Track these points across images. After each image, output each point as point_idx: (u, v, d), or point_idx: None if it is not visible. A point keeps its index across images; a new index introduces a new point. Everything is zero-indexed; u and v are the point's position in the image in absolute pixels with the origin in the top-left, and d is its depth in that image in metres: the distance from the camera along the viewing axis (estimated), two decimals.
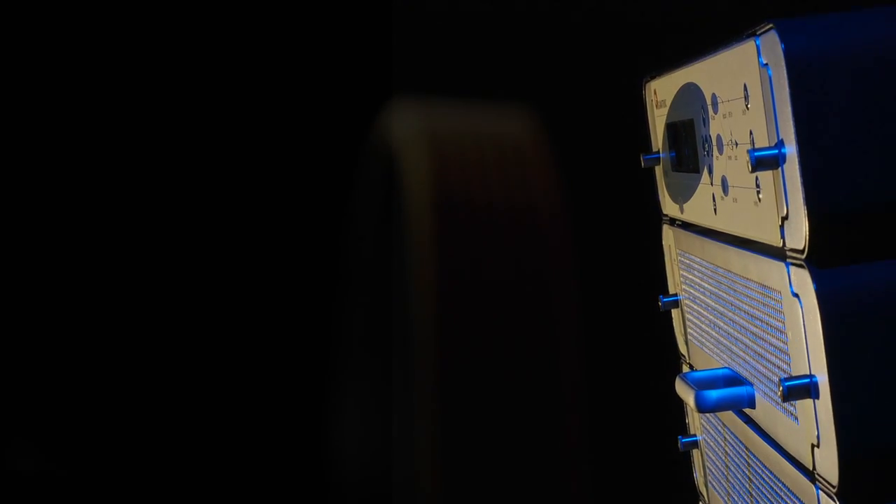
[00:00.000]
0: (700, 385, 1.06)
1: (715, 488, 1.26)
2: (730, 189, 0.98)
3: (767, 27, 0.81)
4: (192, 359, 1.84)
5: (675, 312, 1.33)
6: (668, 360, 1.35)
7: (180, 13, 1.81)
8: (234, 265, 1.83)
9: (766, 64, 0.82)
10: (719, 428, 1.18)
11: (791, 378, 0.84)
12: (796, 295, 0.84)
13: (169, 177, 1.85)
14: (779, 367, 0.91)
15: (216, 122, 1.83)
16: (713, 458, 1.25)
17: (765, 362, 0.96)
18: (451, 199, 1.51)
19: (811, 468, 0.86)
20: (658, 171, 1.30)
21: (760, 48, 0.83)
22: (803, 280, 0.82)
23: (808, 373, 0.83)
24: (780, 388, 0.84)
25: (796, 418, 0.88)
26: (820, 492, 0.84)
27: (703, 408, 1.02)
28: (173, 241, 1.84)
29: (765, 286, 0.92)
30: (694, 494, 1.36)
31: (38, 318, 1.89)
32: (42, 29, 1.86)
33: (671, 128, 1.19)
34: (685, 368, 1.32)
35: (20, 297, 1.88)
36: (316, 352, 1.80)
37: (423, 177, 1.57)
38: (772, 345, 0.93)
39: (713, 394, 1.02)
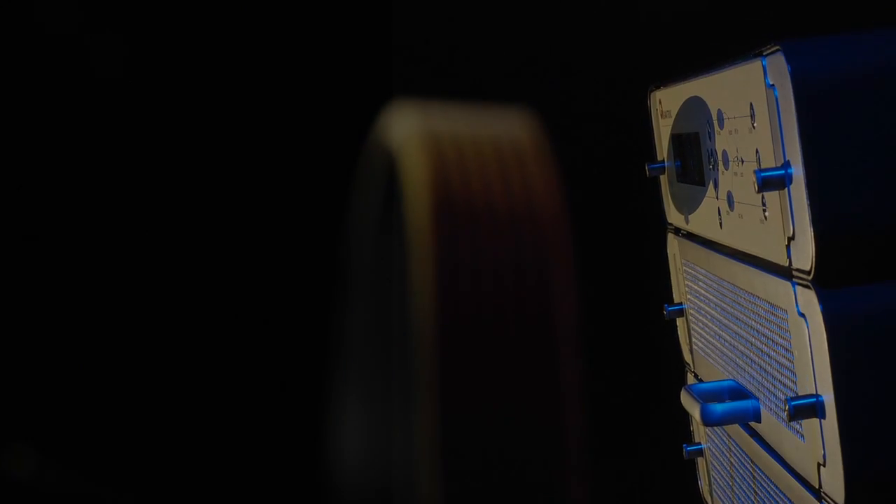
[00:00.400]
0: (705, 398, 1.06)
1: (720, 497, 1.26)
2: (735, 205, 0.98)
3: (774, 48, 0.81)
4: (189, 360, 1.84)
5: (679, 321, 1.33)
6: (673, 367, 1.36)
7: (181, 15, 1.81)
8: (233, 267, 1.83)
9: (773, 85, 0.82)
10: (724, 438, 1.18)
11: (797, 398, 0.84)
12: (802, 315, 0.84)
13: (169, 178, 1.85)
14: (784, 385, 0.91)
15: (216, 124, 1.83)
16: (718, 467, 1.25)
17: (770, 378, 0.96)
18: (452, 205, 1.50)
19: (817, 486, 0.86)
20: (663, 180, 1.30)
21: (767, 69, 0.83)
22: (810, 301, 0.82)
23: (814, 392, 0.84)
24: (787, 408, 0.84)
25: (802, 436, 0.88)
26: None
27: (708, 421, 1.02)
28: (172, 242, 1.84)
29: (771, 304, 0.92)
30: (699, 502, 1.36)
31: (34, 319, 1.89)
32: (40, 28, 1.86)
33: (676, 139, 1.19)
34: (690, 377, 1.32)
35: (18, 298, 1.89)
36: (315, 354, 1.79)
37: (424, 181, 1.56)
38: (778, 362, 0.93)
39: (719, 407, 1.02)
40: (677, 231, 1.29)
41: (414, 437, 1.59)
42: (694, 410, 1.04)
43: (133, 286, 1.86)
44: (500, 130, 1.66)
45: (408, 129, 1.73)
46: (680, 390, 1.10)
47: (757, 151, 0.88)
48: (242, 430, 1.85)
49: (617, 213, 1.61)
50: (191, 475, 1.84)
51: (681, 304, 1.31)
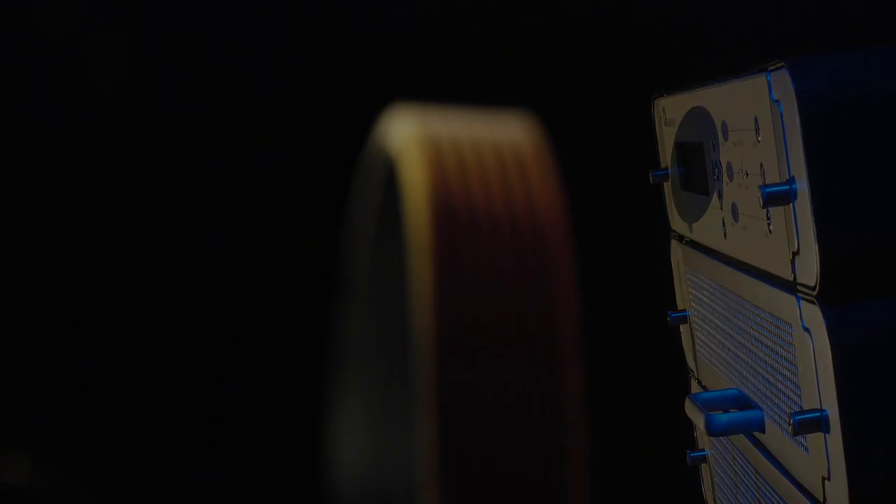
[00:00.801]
0: (709, 407, 1.06)
1: None
2: (740, 217, 0.98)
3: (779, 65, 0.81)
4: (188, 366, 1.84)
5: (683, 328, 1.33)
6: (677, 373, 1.36)
7: (183, 19, 1.81)
8: (231, 272, 1.83)
9: (778, 101, 0.82)
10: (728, 447, 1.19)
11: (802, 412, 0.84)
12: (807, 329, 0.84)
13: (167, 182, 1.85)
14: (789, 397, 0.92)
15: (215, 129, 1.83)
16: (721, 474, 1.25)
17: (775, 390, 0.96)
18: (452, 211, 1.50)
19: (821, 500, 0.86)
20: (666, 187, 1.30)
21: (771, 84, 0.83)
22: (814, 316, 0.82)
23: (818, 406, 0.84)
24: (791, 422, 0.84)
25: (807, 449, 0.88)
26: None
27: (712, 431, 1.02)
28: (170, 246, 1.84)
29: (775, 317, 0.92)
30: None
31: (36, 320, 1.89)
32: (41, 32, 1.86)
33: (680, 147, 1.19)
34: (693, 383, 1.32)
35: (18, 299, 1.88)
36: (313, 360, 1.80)
37: (424, 187, 1.57)
38: (782, 374, 0.93)
39: (723, 417, 1.02)
40: (681, 238, 1.29)
41: (413, 446, 1.60)
42: (698, 420, 1.05)
43: (133, 291, 1.86)
44: (501, 135, 1.67)
45: (408, 133, 1.73)
46: (684, 395, 1.11)
47: (762, 165, 0.88)
48: (241, 435, 1.85)
49: (619, 217, 1.61)
50: (191, 480, 1.85)
51: (684, 310, 1.31)
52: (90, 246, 1.86)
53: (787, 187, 0.82)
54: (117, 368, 1.85)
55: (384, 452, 1.73)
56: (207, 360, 1.85)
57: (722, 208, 1.04)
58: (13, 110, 1.86)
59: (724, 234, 1.05)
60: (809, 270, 0.82)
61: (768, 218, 0.89)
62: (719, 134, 1.00)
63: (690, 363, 1.32)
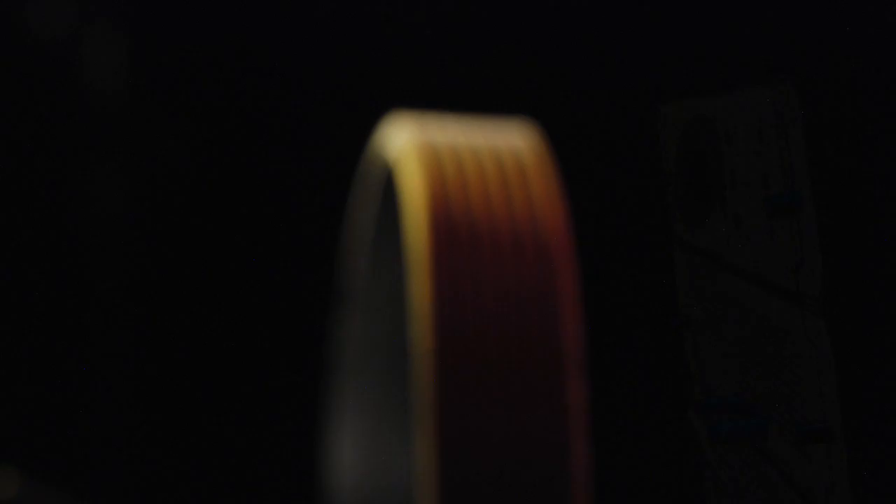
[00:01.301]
0: (712, 414, 1.06)
1: None
2: (743, 225, 0.98)
3: (784, 75, 0.82)
4: (181, 375, 1.84)
5: (686, 334, 1.33)
6: (680, 378, 1.36)
7: (186, 26, 1.81)
8: (225, 284, 1.83)
9: (782, 111, 0.82)
10: (731, 453, 1.19)
11: (805, 423, 0.84)
12: (810, 340, 0.84)
13: (167, 187, 1.85)
14: (792, 407, 0.92)
15: (211, 134, 1.83)
16: (724, 480, 1.25)
17: (778, 398, 0.96)
18: (452, 221, 1.50)
19: None
20: (670, 192, 1.30)
21: (776, 94, 0.83)
22: (817, 327, 0.82)
23: (822, 417, 0.84)
24: (794, 433, 0.84)
25: (810, 458, 0.88)
26: None
27: (716, 439, 1.03)
28: (164, 252, 1.84)
29: (779, 326, 0.92)
30: None
31: (33, 321, 1.89)
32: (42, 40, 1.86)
33: (683, 154, 1.20)
34: (696, 389, 1.33)
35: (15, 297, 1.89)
36: (311, 370, 1.79)
37: (422, 197, 1.56)
38: (786, 383, 0.93)
39: (726, 425, 1.03)
40: (684, 244, 1.29)
41: (412, 459, 1.59)
42: (701, 427, 1.05)
43: (131, 295, 1.86)
44: (502, 143, 1.66)
45: (406, 140, 1.72)
46: (686, 402, 1.11)
47: (765, 175, 0.88)
48: (239, 443, 1.85)
49: (622, 220, 1.61)
50: (189, 485, 1.85)
51: (687, 316, 1.31)
52: (88, 249, 1.86)
53: (791, 198, 0.82)
54: (115, 372, 1.86)
55: (383, 464, 1.73)
56: (206, 366, 1.85)
57: (725, 216, 1.04)
58: (12, 110, 1.86)
59: (727, 242, 1.05)
60: (813, 281, 0.82)
61: (771, 227, 0.89)
62: (723, 142, 1.01)
63: (693, 369, 1.33)
